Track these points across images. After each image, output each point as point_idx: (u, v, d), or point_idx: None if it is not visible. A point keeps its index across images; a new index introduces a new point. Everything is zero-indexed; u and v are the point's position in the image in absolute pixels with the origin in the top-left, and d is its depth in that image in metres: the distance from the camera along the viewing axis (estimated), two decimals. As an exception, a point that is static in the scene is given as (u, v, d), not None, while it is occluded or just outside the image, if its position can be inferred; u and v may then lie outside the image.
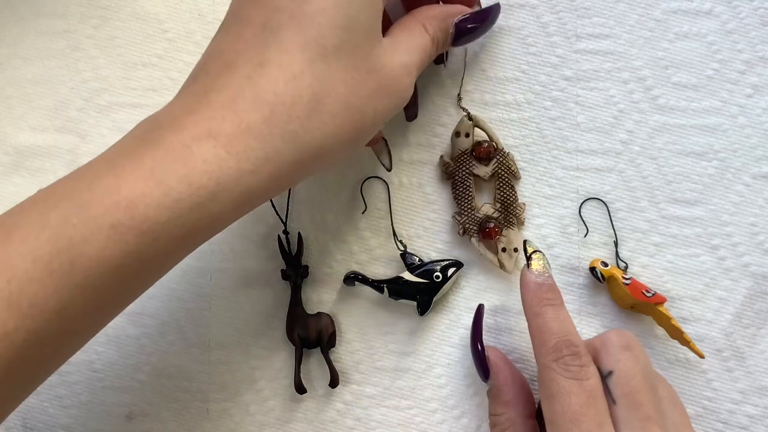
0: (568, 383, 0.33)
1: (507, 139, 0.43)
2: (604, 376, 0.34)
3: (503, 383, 0.38)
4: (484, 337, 0.40)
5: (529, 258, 0.38)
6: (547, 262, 0.38)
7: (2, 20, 0.45)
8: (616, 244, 0.42)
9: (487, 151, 0.42)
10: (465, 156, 0.42)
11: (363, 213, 0.43)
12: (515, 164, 0.42)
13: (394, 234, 0.43)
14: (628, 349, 0.34)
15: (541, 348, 0.35)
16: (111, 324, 0.43)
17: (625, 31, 0.43)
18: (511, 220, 0.42)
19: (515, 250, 0.42)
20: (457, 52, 0.44)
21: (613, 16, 0.44)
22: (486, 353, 0.39)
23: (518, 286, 0.42)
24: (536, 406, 0.38)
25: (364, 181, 0.43)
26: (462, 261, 0.42)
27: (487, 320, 0.42)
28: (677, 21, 0.43)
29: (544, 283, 0.37)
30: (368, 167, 0.43)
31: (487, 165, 0.42)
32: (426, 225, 0.43)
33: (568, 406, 0.33)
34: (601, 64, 0.43)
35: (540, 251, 0.38)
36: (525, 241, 0.39)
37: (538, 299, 0.36)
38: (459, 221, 0.42)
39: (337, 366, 0.42)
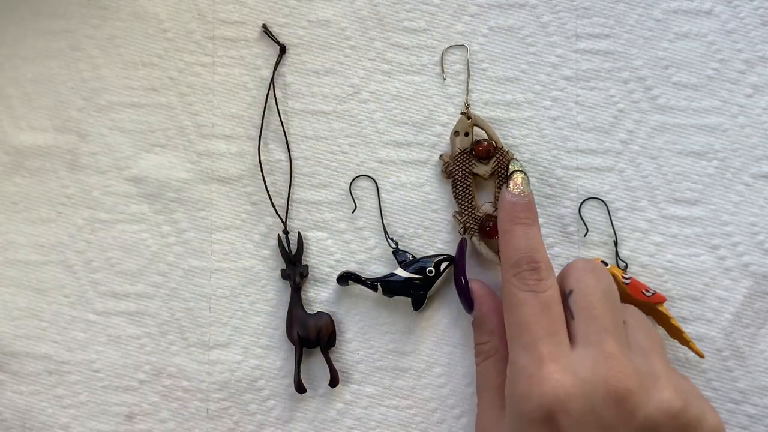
0: (524, 295, 0.34)
1: (507, 139, 0.43)
2: (566, 295, 0.35)
3: (487, 313, 0.39)
4: None
5: (509, 176, 0.38)
6: (527, 182, 0.38)
7: (2, 20, 0.45)
8: (616, 243, 0.42)
9: (487, 150, 0.42)
10: (464, 155, 0.42)
11: (353, 212, 0.43)
12: None
13: (385, 231, 0.43)
14: (590, 272, 0.35)
15: (505, 263, 0.36)
16: (111, 324, 0.43)
17: (625, 31, 0.43)
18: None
19: None
20: (457, 57, 0.44)
21: (613, 16, 0.44)
22: (470, 285, 0.40)
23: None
24: None
25: (353, 180, 0.43)
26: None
27: (487, 320, 0.42)
28: (677, 21, 0.43)
29: (519, 203, 0.37)
30: (360, 168, 0.43)
31: (486, 164, 0.42)
32: (426, 224, 0.43)
33: (522, 317, 0.34)
34: (601, 64, 0.43)
35: (522, 171, 0.38)
36: (511, 161, 0.40)
37: (510, 217, 0.37)
38: (459, 220, 0.42)
39: (337, 366, 0.42)
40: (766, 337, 0.41)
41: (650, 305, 0.40)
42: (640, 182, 0.42)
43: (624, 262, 0.42)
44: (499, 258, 0.37)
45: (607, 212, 0.42)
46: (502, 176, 0.42)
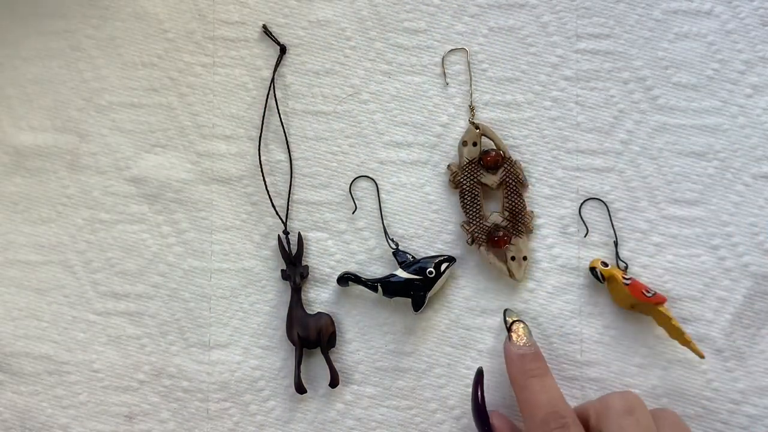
0: None
1: (507, 139, 0.43)
2: None
3: None
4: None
5: (509, 329, 0.38)
6: (528, 331, 0.38)
7: (2, 20, 0.45)
8: (616, 244, 0.42)
9: (495, 160, 0.42)
10: (473, 165, 0.42)
11: (353, 213, 0.43)
12: (523, 172, 0.42)
13: (386, 232, 0.43)
14: (629, 414, 0.34)
15: (529, 422, 0.35)
16: (111, 324, 0.43)
17: (625, 31, 0.43)
18: (519, 228, 0.42)
19: (524, 258, 0.42)
20: (457, 58, 0.44)
21: (613, 16, 0.44)
22: (491, 420, 0.38)
23: (519, 289, 0.42)
24: None
25: (353, 180, 0.43)
26: (462, 260, 0.42)
27: (486, 320, 0.42)
28: (677, 21, 0.43)
29: (527, 354, 0.37)
30: (360, 168, 0.43)
31: (494, 174, 0.42)
32: (426, 225, 0.43)
33: None
34: (601, 64, 0.43)
35: (520, 320, 0.39)
36: (505, 311, 0.40)
37: (522, 372, 0.37)
38: (468, 230, 0.42)
39: (337, 366, 0.42)
40: (766, 337, 0.41)
41: (650, 305, 0.40)
42: (640, 182, 0.42)
43: (624, 262, 0.42)
44: (507, 354, 0.37)
45: (607, 212, 0.42)
46: (510, 186, 0.42)
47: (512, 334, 0.38)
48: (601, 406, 0.35)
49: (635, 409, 0.34)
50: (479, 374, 0.39)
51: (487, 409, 0.38)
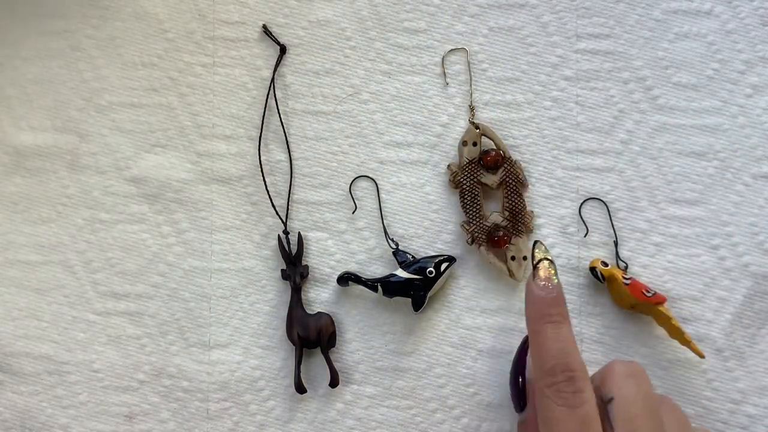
0: (560, 411, 0.32)
1: (507, 139, 0.43)
2: (606, 402, 0.33)
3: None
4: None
5: (535, 266, 0.35)
6: (555, 272, 0.35)
7: (2, 20, 0.45)
8: (616, 244, 0.42)
9: (495, 160, 0.42)
10: (473, 165, 0.42)
11: (353, 213, 0.43)
12: (523, 172, 0.42)
13: (386, 232, 0.43)
14: (631, 377, 0.34)
15: (538, 370, 0.34)
16: (111, 324, 0.43)
17: (625, 31, 0.43)
18: (519, 228, 0.42)
19: (524, 258, 0.42)
20: (457, 58, 0.44)
21: (613, 16, 0.44)
22: (526, 385, 0.37)
23: (519, 289, 0.42)
24: None
25: (353, 180, 0.43)
26: (462, 260, 0.42)
27: (486, 320, 0.42)
28: (677, 21, 0.43)
29: (548, 297, 0.34)
30: (360, 168, 0.43)
31: (494, 173, 0.42)
32: (426, 225, 0.43)
33: None
34: (601, 64, 0.43)
35: (549, 259, 0.35)
36: (535, 243, 0.36)
37: (539, 315, 0.34)
38: (468, 230, 0.42)
39: (337, 366, 0.42)
40: (766, 337, 0.41)
41: (650, 305, 0.40)
42: (640, 182, 0.42)
43: (624, 262, 0.42)
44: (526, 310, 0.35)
45: (607, 212, 0.42)
46: (510, 186, 0.42)
47: (537, 272, 0.35)
48: (605, 369, 0.35)
49: (637, 375, 0.34)
50: (525, 342, 0.38)
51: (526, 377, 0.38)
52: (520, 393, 0.37)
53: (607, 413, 0.33)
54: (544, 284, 0.35)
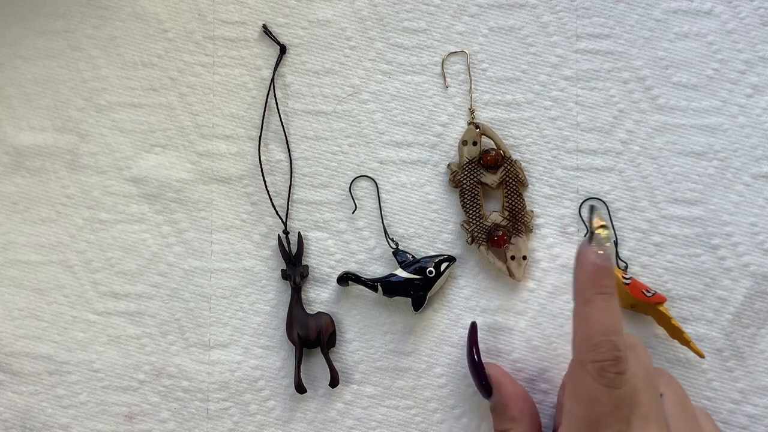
0: (600, 390, 0.31)
1: (507, 139, 0.43)
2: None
3: (508, 399, 0.37)
4: (484, 346, 0.40)
5: (592, 233, 0.33)
6: (611, 240, 0.33)
7: (2, 20, 0.45)
8: (616, 244, 0.42)
9: (495, 159, 0.42)
10: (473, 164, 0.42)
11: (353, 212, 0.43)
12: (523, 172, 0.42)
13: (386, 232, 0.43)
14: (631, 349, 0.33)
15: (582, 342, 0.32)
16: (111, 324, 0.43)
17: (625, 31, 0.43)
18: (519, 227, 0.42)
19: (524, 257, 0.42)
20: (457, 58, 0.44)
21: (613, 16, 0.44)
22: (486, 371, 0.38)
23: (519, 289, 0.42)
24: (540, 420, 0.38)
25: (353, 180, 0.43)
26: (462, 260, 0.42)
27: (486, 320, 0.42)
28: (677, 21, 0.43)
29: (603, 266, 0.32)
30: (360, 168, 0.43)
31: (494, 173, 0.42)
32: (426, 225, 0.43)
33: (593, 414, 0.31)
34: (601, 64, 0.43)
35: (607, 227, 0.33)
36: (592, 207, 0.33)
37: (592, 283, 0.32)
38: (467, 230, 0.42)
39: (337, 366, 0.42)
40: (766, 337, 0.41)
41: (650, 305, 0.40)
42: (640, 182, 0.42)
43: (624, 262, 0.42)
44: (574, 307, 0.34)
45: (607, 212, 0.42)
46: (510, 185, 0.42)
47: (596, 238, 0.33)
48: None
49: (637, 348, 0.34)
50: (473, 327, 0.39)
51: (483, 362, 0.38)
52: (483, 378, 0.38)
53: None
54: (602, 253, 0.33)
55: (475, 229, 0.42)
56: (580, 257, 0.33)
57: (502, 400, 0.37)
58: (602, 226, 0.33)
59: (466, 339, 0.41)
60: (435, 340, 0.42)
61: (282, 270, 0.42)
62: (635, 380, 0.32)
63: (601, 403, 0.31)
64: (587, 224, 0.33)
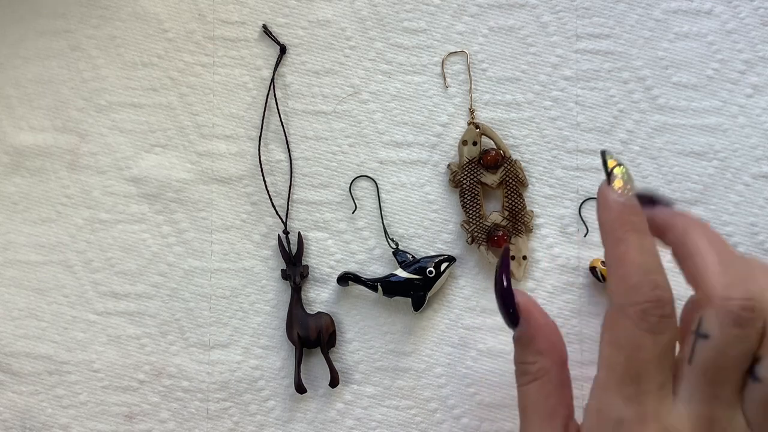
0: (641, 336, 0.28)
1: (507, 139, 0.43)
2: (695, 334, 0.29)
3: (536, 330, 0.33)
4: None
5: (609, 173, 0.31)
6: (631, 178, 0.31)
7: (2, 20, 0.45)
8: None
9: (495, 159, 0.42)
10: (472, 164, 0.42)
11: (353, 212, 0.43)
12: (523, 172, 0.42)
13: (386, 232, 0.43)
14: (738, 326, 0.28)
15: (619, 284, 0.30)
16: (111, 324, 0.43)
17: (625, 31, 0.43)
18: (519, 227, 0.42)
19: (524, 257, 0.42)
20: (457, 57, 0.44)
21: (613, 16, 0.44)
22: (516, 298, 0.33)
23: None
24: (568, 359, 0.34)
25: (353, 180, 0.43)
26: (462, 260, 0.42)
27: (486, 320, 0.42)
28: (677, 21, 0.43)
29: (629, 204, 0.30)
30: (360, 168, 0.43)
31: (494, 173, 0.42)
32: (426, 225, 0.43)
33: (635, 362, 0.28)
34: (601, 64, 0.43)
35: (623, 165, 0.31)
36: (603, 152, 0.32)
37: (621, 222, 0.30)
38: (467, 230, 0.42)
39: (337, 366, 0.42)
40: (766, 337, 0.41)
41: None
42: (640, 182, 0.42)
43: (624, 262, 0.42)
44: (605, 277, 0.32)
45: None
46: (510, 185, 0.42)
47: (615, 178, 0.31)
48: (718, 298, 0.29)
49: (753, 322, 0.28)
50: (506, 251, 0.35)
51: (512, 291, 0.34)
52: (511, 305, 0.33)
53: (691, 346, 0.29)
54: (622, 191, 0.31)
55: (475, 229, 0.42)
56: (602, 199, 0.31)
57: (529, 331, 0.33)
58: (618, 165, 0.31)
59: (467, 333, 0.40)
60: (435, 340, 0.42)
61: (282, 270, 0.42)
62: (722, 359, 0.28)
63: (645, 350, 0.28)
64: (604, 167, 0.32)
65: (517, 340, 0.34)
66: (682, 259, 0.32)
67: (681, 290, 0.42)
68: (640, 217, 0.31)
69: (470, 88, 0.43)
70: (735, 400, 0.29)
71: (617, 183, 0.31)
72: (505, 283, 0.34)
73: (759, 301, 0.28)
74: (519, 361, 0.33)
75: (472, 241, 0.42)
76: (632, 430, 0.28)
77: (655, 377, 0.28)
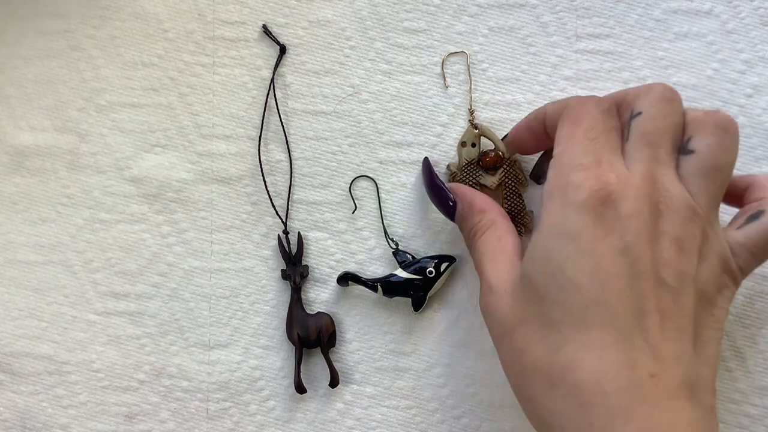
0: (597, 113, 0.33)
1: (507, 139, 0.43)
2: (632, 116, 0.33)
3: (472, 197, 0.38)
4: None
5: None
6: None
7: (2, 20, 0.45)
8: None
9: (494, 161, 0.42)
10: (472, 166, 0.42)
11: (353, 213, 0.43)
12: (522, 173, 0.42)
13: (386, 232, 0.43)
14: (668, 101, 0.33)
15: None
16: (111, 324, 0.43)
17: (625, 31, 0.43)
18: (519, 228, 0.42)
19: None
20: (457, 57, 0.44)
21: (613, 16, 0.44)
22: (445, 183, 0.39)
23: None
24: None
25: (353, 180, 0.43)
26: (462, 260, 0.42)
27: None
28: (677, 21, 0.43)
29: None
30: (360, 168, 0.43)
31: (494, 174, 0.42)
32: (426, 225, 0.43)
33: (590, 131, 0.33)
34: (601, 64, 0.43)
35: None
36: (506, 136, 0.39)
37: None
38: None
39: (337, 366, 0.42)
40: (766, 337, 0.41)
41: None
42: (640, 182, 0.42)
43: (624, 262, 0.42)
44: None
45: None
46: (510, 186, 0.42)
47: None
48: (643, 87, 0.34)
49: (675, 101, 0.34)
50: (426, 159, 0.41)
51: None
52: (444, 193, 0.39)
53: (628, 127, 0.33)
54: None
55: (475, 229, 0.42)
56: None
57: (466, 201, 0.38)
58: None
59: (467, 333, 0.41)
60: (435, 340, 0.42)
61: (282, 270, 0.42)
62: (659, 124, 0.33)
63: (599, 123, 0.33)
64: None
65: (459, 217, 0.39)
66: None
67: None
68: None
69: (470, 88, 0.44)
70: (671, 163, 0.32)
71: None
72: (436, 181, 0.40)
73: (677, 93, 0.34)
74: (467, 228, 0.38)
75: (472, 241, 0.42)
76: (588, 167, 0.32)
77: (608, 141, 0.33)
